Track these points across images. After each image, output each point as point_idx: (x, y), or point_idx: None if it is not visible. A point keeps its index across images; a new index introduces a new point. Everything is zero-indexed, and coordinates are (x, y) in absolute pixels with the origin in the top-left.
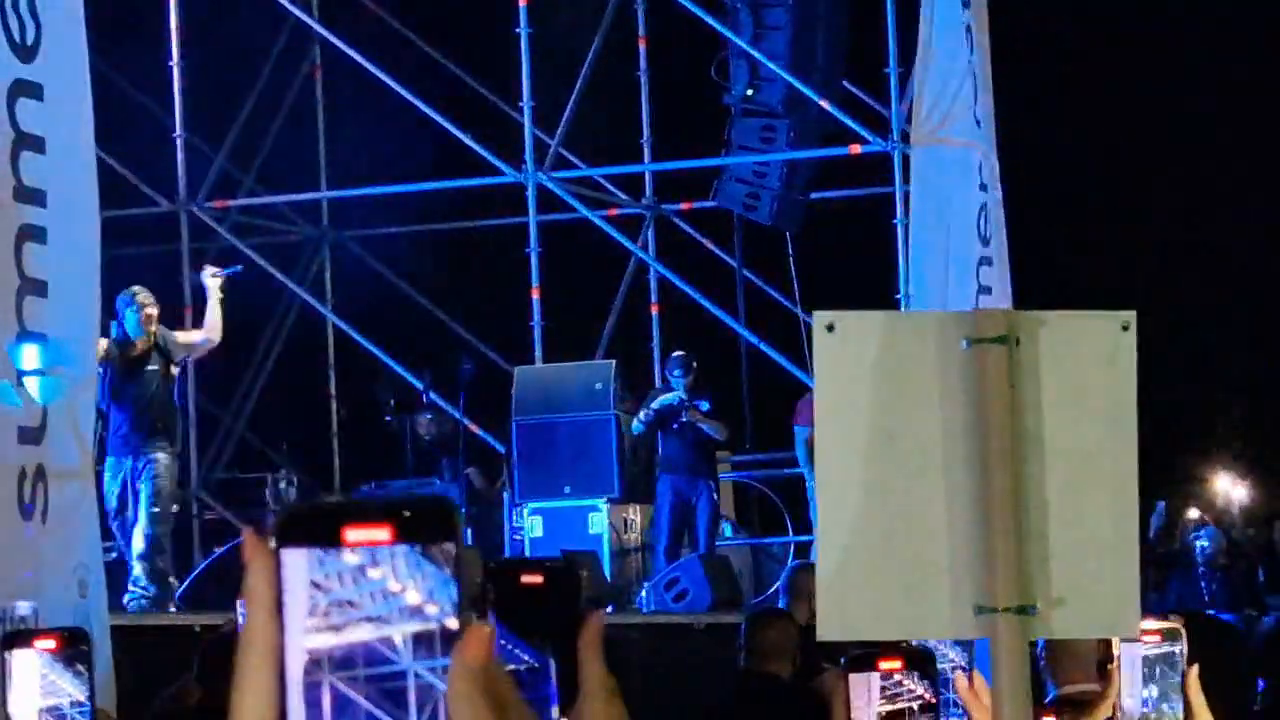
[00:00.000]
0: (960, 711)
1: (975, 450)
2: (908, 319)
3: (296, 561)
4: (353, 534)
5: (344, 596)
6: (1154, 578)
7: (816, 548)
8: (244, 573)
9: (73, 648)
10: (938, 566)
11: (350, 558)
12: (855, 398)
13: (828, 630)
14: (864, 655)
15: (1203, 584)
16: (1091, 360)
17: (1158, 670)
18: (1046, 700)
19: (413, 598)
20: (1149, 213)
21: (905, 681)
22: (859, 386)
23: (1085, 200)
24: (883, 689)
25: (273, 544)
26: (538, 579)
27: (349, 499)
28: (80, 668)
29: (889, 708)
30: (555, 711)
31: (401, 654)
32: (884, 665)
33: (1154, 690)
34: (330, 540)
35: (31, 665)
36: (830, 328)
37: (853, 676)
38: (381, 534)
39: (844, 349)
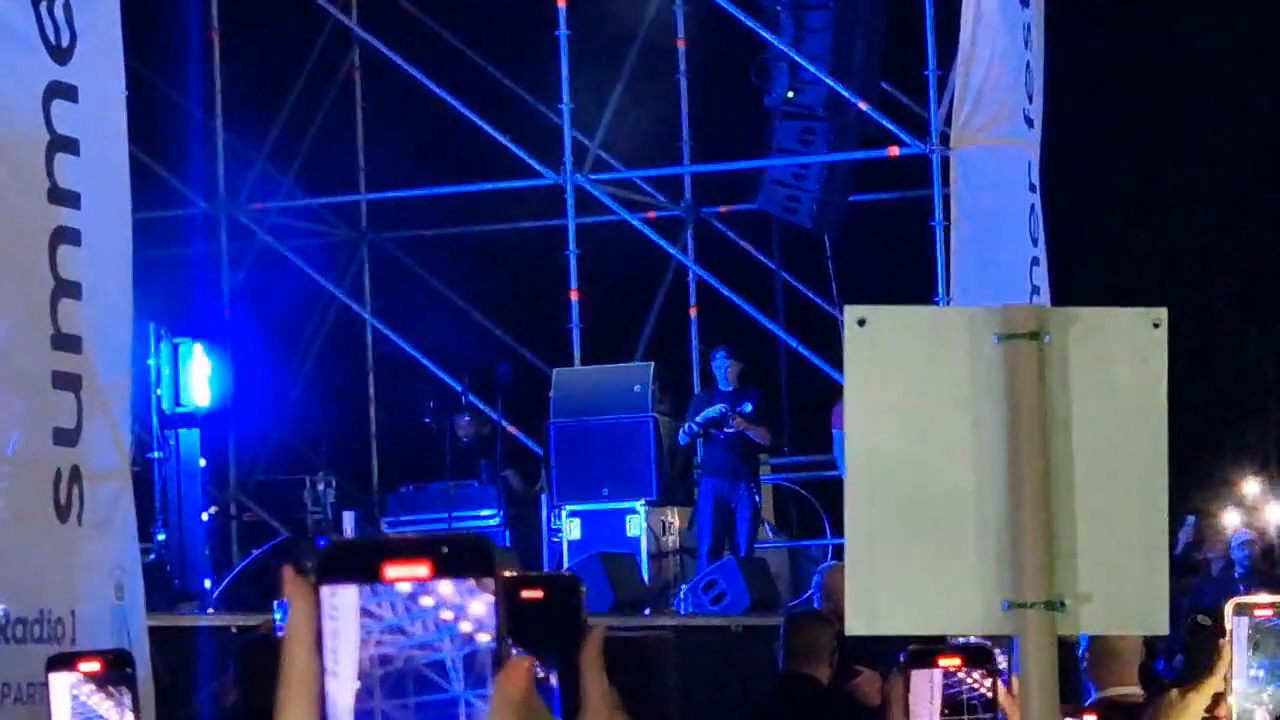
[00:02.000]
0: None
1: (1005, 446)
2: (939, 314)
3: (337, 598)
4: (392, 570)
5: (395, 624)
6: (1185, 584)
7: (846, 542)
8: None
9: (117, 670)
10: (967, 562)
11: (402, 586)
12: (885, 393)
13: (856, 624)
14: (923, 652)
15: (1240, 588)
16: (1122, 357)
17: (1272, 643)
18: (1088, 703)
19: (465, 626)
20: (1185, 215)
21: (965, 678)
22: (889, 382)
23: (1121, 201)
24: (945, 686)
25: (313, 580)
26: (538, 593)
27: (389, 536)
28: (124, 690)
29: (951, 705)
30: None
31: (453, 681)
32: (943, 662)
33: (1263, 664)
34: (370, 576)
35: (74, 688)
36: (862, 323)
37: (915, 673)
38: (420, 570)
39: (875, 344)
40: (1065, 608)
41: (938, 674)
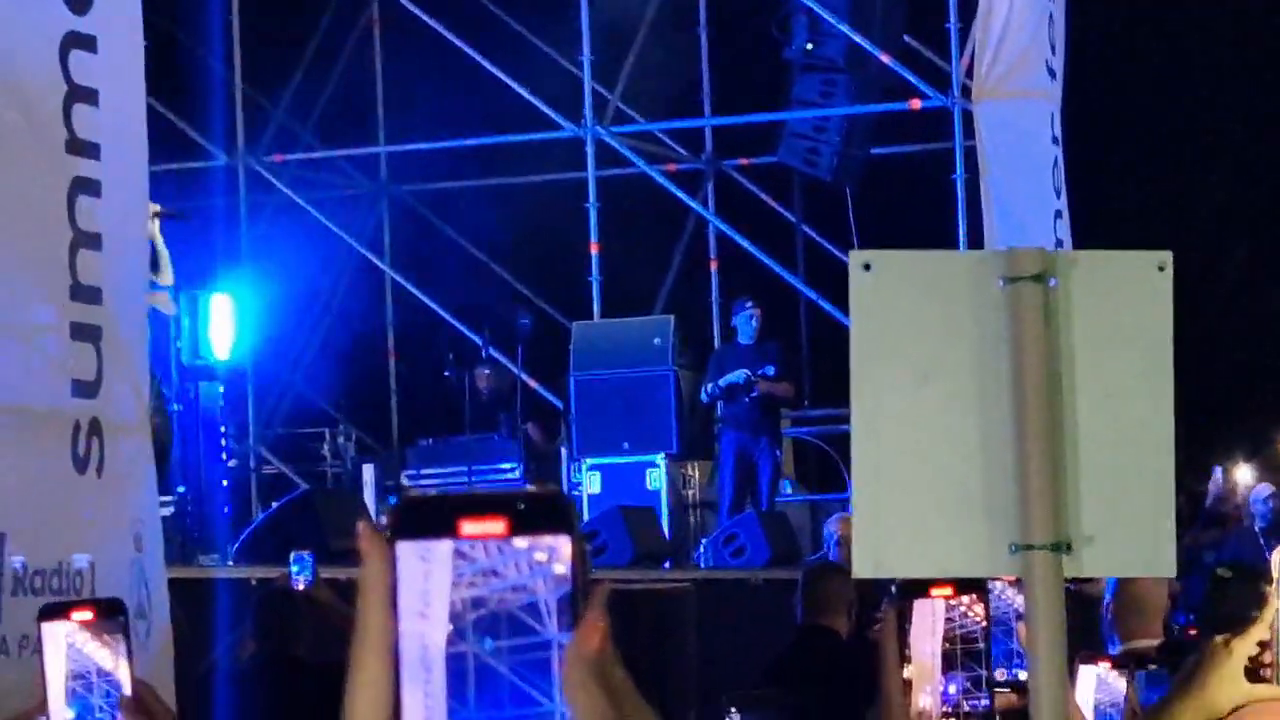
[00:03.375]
0: (1022, 661)
1: (1010, 388)
2: (944, 258)
3: (411, 553)
4: (468, 526)
5: (488, 566)
6: (1213, 537)
7: (852, 487)
8: (361, 565)
9: (110, 618)
10: (973, 505)
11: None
12: (891, 337)
13: (863, 568)
14: (916, 583)
15: (1262, 541)
16: (1127, 299)
17: None
18: (1111, 654)
19: (559, 568)
20: (1211, 166)
21: (960, 608)
22: (895, 326)
23: (1145, 153)
24: (947, 619)
25: (388, 536)
26: None
27: (465, 492)
28: (118, 638)
29: (948, 635)
30: None
31: (547, 624)
32: (935, 592)
33: None
34: (446, 532)
35: (68, 637)
36: (867, 267)
37: (916, 603)
38: (496, 527)
39: (880, 288)
40: (1071, 550)
41: (939, 604)
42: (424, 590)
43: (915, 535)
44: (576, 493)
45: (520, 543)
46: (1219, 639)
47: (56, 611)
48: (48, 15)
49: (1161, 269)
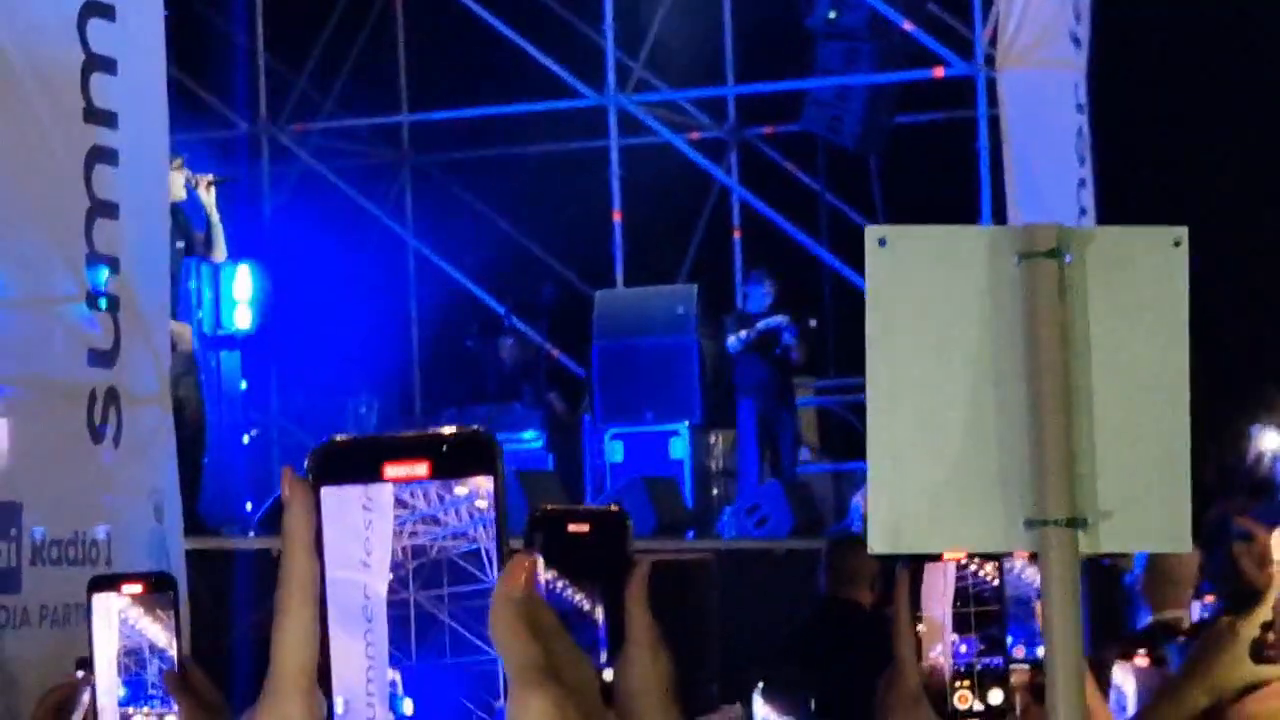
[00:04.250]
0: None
1: (1026, 364)
2: (959, 234)
3: (335, 498)
4: (391, 469)
5: (429, 513)
6: (1242, 506)
7: (868, 462)
8: (283, 510)
9: (161, 593)
10: (988, 480)
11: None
12: (906, 312)
13: (877, 543)
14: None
15: None
16: (1142, 275)
17: None
18: (1140, 625)
19: (492, 508)
20: (1237, 134)
21: (976, 571)
22: (910, 302)
23: (1171, 122)
24: (959, 581)
25: (311, 481)
26: (584, 527)
27: (387, 435)
28: (168, 613)
29: (960, 598)
30: (604, 657)
31: (489, 571)
32: (948, 555)
33: None
34: (369, 477)
35: (120, 611)
36: (882, 242)
37: (928, 566)
38: (420, 469)
39: (895, 264)
40: (1087, 525)
41: (950, 566)
42: (365, 539)
43: (930, 511)
44: (599, 462)
45: (461, 490)
46: (1224, 620)
47: (107, 584)
48: None
49: (1177, 244)
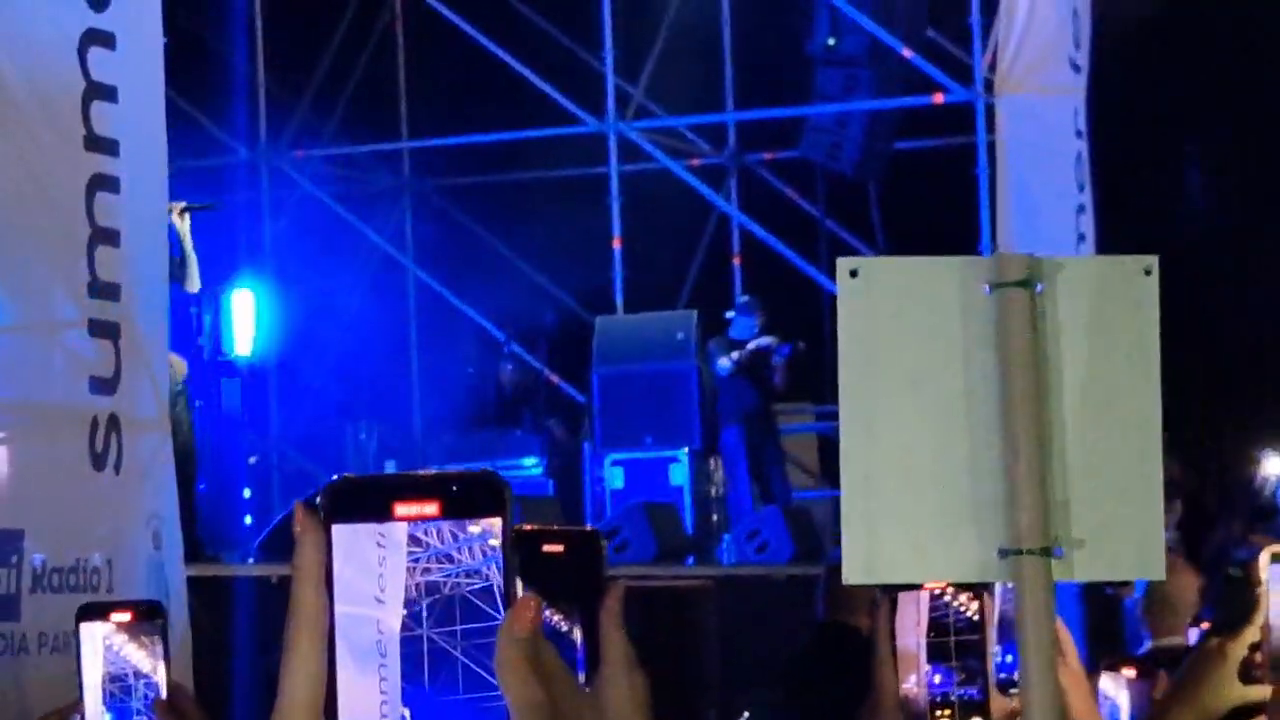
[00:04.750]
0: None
1: (998, 394)
2: (931, 265)
3: (347, 535)
4: (402, 509)
5: (443, 551)
6: (1242, 532)
7: (842, 492)
8: (294, 547)
9: (149, 620)
10: (962, 510)
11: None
12: (879, 343)
13: (853, 573)
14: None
15: None
16: (1114, 304)
17: None
18: (1140, 651)
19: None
20: (1236, 158)
21: (953, 602)
22: (883, 332)
23: (1171, 146)
24: (931, 609)
25: (322, 518)
26: (558, 548)
27: (398, 473)
28: (156, 641)
29: (936, 628)
30: (582, 679)
31: (501, 609)
32: (928, 585)
33: None
34: (379, 515)
35: (106, 638)
36: (854, 273)
37: (902, 596)
38: (430, 509)
39: (867, 295)
40: (1061, 553)
41: (924, 596)
42: (379, 575)
43: (905, 540)
44: (599, 488)
45: (475, 528)
46: (1212, 641)
47: (95, 612)
48: (67, 12)
49: (1148, 273)
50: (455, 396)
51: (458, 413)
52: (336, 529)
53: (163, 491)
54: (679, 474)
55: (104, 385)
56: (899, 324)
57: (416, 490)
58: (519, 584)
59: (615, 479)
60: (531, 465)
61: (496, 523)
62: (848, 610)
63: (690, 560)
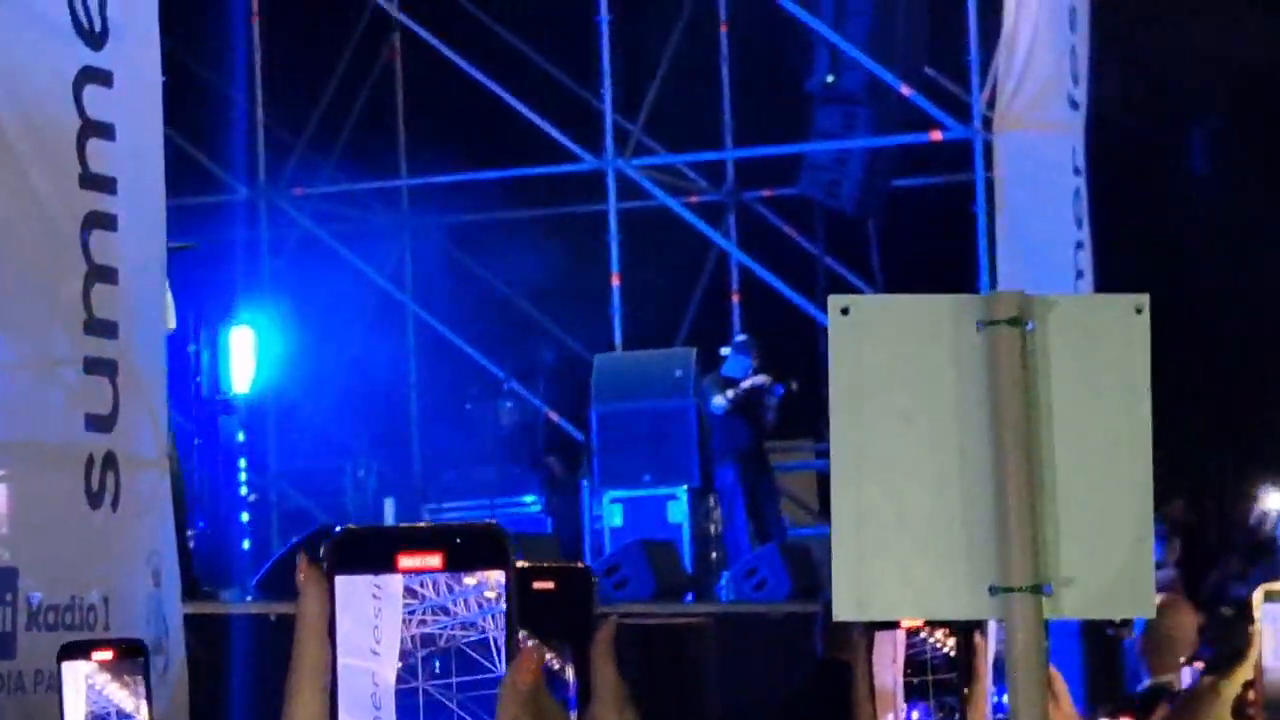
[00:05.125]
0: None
1: (989, 432)
2: (922, 302)
3: (348, 586)
4: (405, 560)
5: (439, 603)
6: (1240, 569)
7: (832, 529)
8: (299, 597)
9: (131, 659)
10: (952, 547)
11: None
12: (870, 380)
13: (843, 610)
14: None
15: None
16: (1105, 343)
17: None
18: (1139, 688)
19: (505, 604)
20: (1233, 196)
21: (930, 639)
22: (874, 370)
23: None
24: (908, 646)
25: (325, 569)
26: (549, 585)
27: (401, 525)
28: (138, 680)
29: (913, 666)
30: (574, 716)
31: (498, 661)
32: (906, 622)
33: None
34: (383, 567)
35: (87, 677)
36: (845, 311)
37: (878, 634)
38: (433, 561)
39: (859, 332)
40: (1051, 591)
41: (900, 634)
42: (374, 627)
43: (895, 578)
44: (598, 526)
45: (470, 579)
46: (1205, 680)
47: (77, 651)
48: (63, 50)
49: (1139, 311)
50: (454, 434)
51: (457, 450)
52: (340, 580)
53: (161, 529)
54: (677, 511)
55: (101, 423)
56: (890, 362)
57: (420, 542)
58: (520, 633)
59: (614, 516)
60: (530, 503)
61: (498, 575)
62: (846, 648)
63: (689, 598)
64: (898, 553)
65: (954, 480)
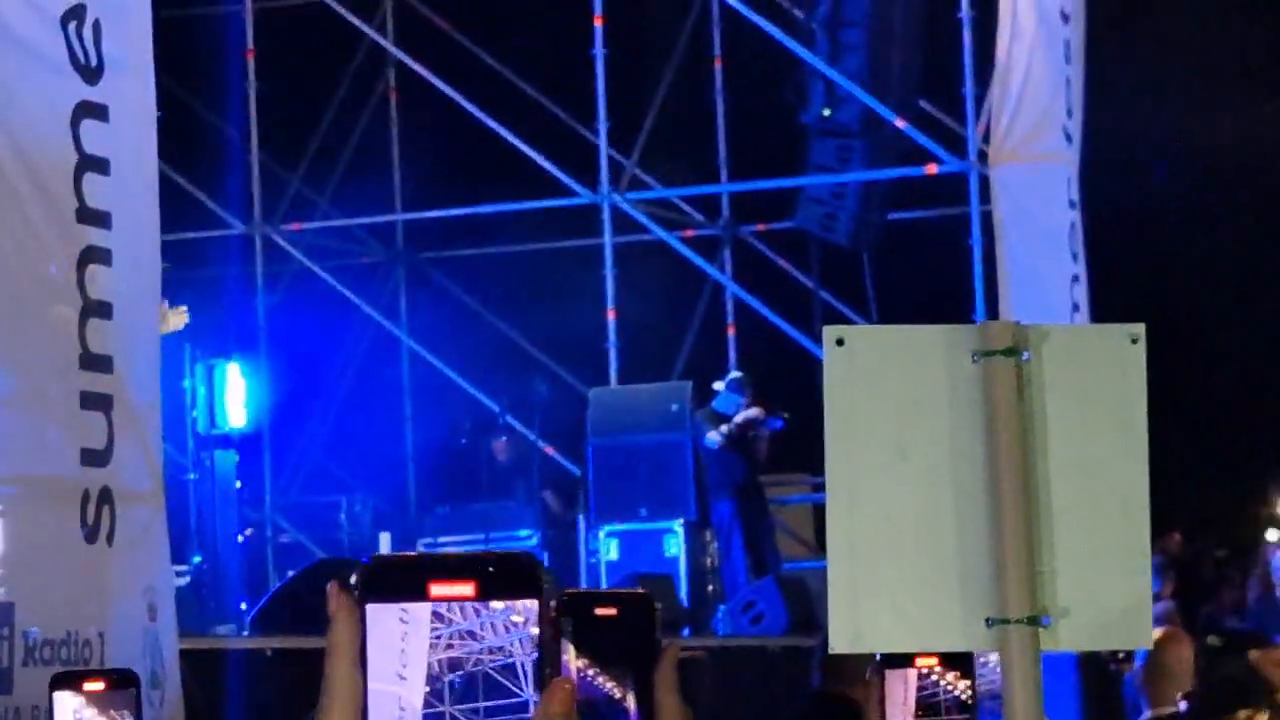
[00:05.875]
0: None
1: (984, 462)
2: (917, 333)
3: (378, 613)
4: (437, 589)
5: (466, 628)
6: (1235, 603)
7: (828, 561)
8: (329, 626)
9: (122, 689)
10: (949, 578)
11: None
12: (865, 411)
13: (839, 642)
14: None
15: None
16: (1100, 372)
17: None
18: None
19: (535, 630)
20: (1230, 229)
21: (942, 680)
22: (869, 401)
23: (1164, 216)
24: (919, 687)
25: (357, 597)
26: (612, 611)
27: (434, 553)
28: (126, 712)
29: (925, 706)
30: None
31: (525, 685)
32: (920, 662)
33: None
34: (415, 595)
35: (75, 711)
36: (840, 342)
37: (889, 673)
38: (466, 589)
39: (854, 363)
40: (1048, 623)
41: (911, 674)
42: (400, 651)
43: (891, 609)
44: (594, 560)
45: (497, 605)
46: (1241, 713)
47: (68, 681)
48: (60, 85)
49: (1134, 341)
50: (449, 468)
51: (452, 485)
52: (370, 608)
53: (157, 564)
54: (674, 545)
55: (96, 457)
56: (885, 392)
57: (452, 571)
58: (566, 653)
59: (610, 550)
60: (526, 537)
61: (532, 604)
62: (843, 681)
63: (686, 632)
64: (892, 584)
65: (950, 511)
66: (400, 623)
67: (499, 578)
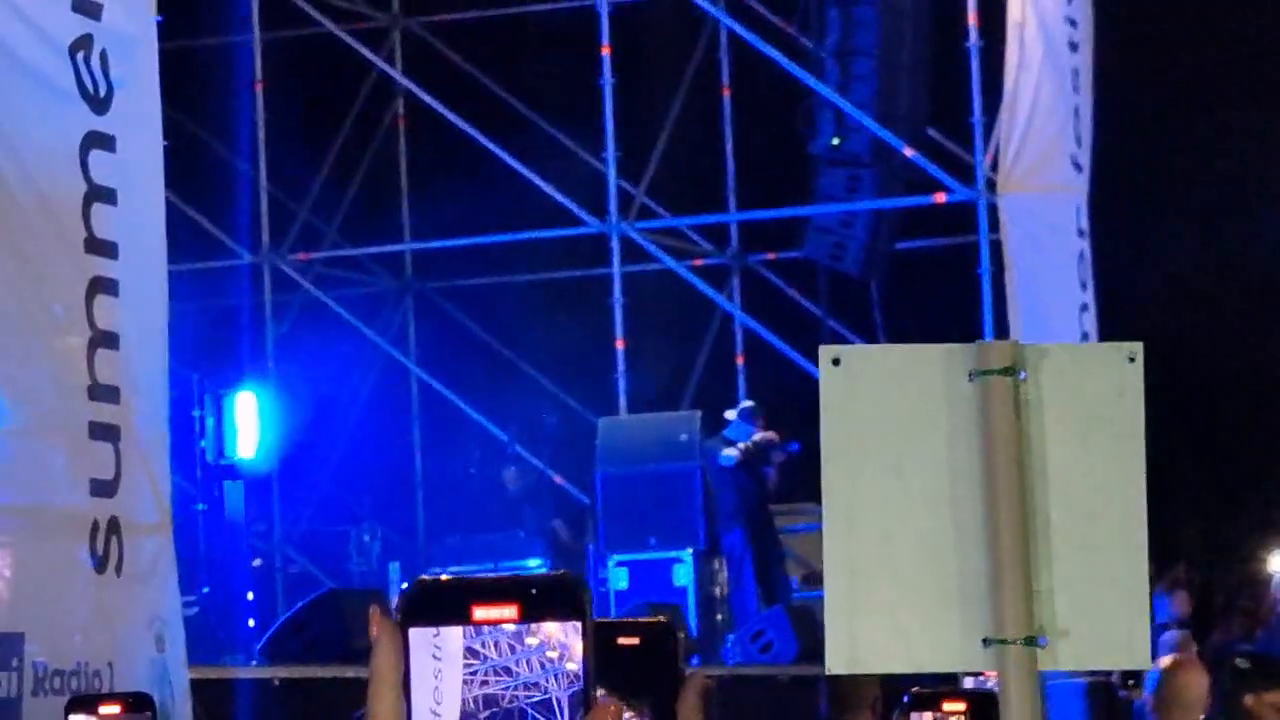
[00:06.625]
0: None
1: (982, 482)
2: (914, 352)
3: (440, 637)
4: (480, 612)
5: (500, 664)
6: (1244, 630)
7: (824, 582)
8: (371, 651)
9: (137, 713)
10: (946, 599)
11: (506, 625)
12: (863, 431)
13: (836, 663)
14: (928, 695)
15: None
16: (1098, 391)
17: None
18: None
19: (570, 665)
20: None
21: None
22: (866, 421)
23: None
24: None
25: (400, 621)
26: (634, 640)
27: (476, 576)
28: None
29: None
30: None
31: None
32: (947, 707)
33: None
34: (458, 618)
35: None
36: (836, 362)
37: (914, 716)
38: (509, 612)
39: (850, 383)
40: (1045, 643)
41: (927, 717)
42: (435, 687)
43: (889, 630)
44: (604, 589)
45: (532, 640)
46: None
47: (84, 705)
48: (69, 115)
49: (1132, 360)
50: (459, 498)
51: (462, 514)
52: (413, 633)
53: (165, 594)
54: (683, 574)
55: (104, 488)
56: (882, 412)
57: (495, 593)
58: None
59: (619, 580)
60: (535, 567)
61: (560, 635)
62: (851, 708)
63: (695, 661)
64: (890, 604)
65: (947, 530)
66: (433, 659)
67: (542, 599)
